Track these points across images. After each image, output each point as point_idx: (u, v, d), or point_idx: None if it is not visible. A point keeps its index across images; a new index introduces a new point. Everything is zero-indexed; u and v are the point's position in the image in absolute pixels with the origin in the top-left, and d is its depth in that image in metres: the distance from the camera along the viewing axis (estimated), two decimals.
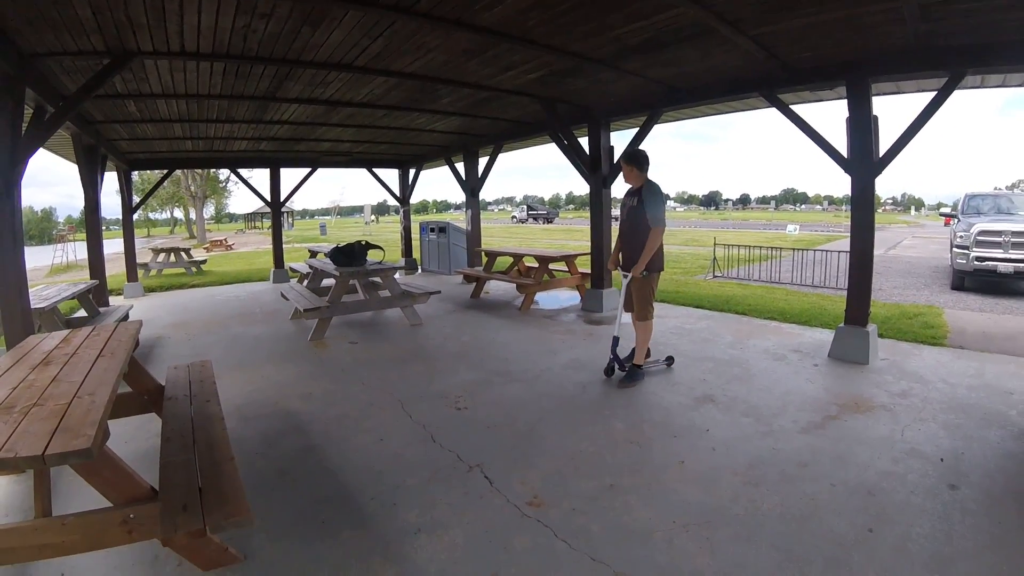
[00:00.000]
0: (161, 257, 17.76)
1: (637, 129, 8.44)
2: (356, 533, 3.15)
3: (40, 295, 7.02)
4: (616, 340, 5.76)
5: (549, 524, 3.18)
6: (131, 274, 13.18)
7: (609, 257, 6.24)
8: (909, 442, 4.11)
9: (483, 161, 13.37)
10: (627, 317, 5.88)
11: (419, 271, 16.41)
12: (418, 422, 4.79)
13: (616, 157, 8.83)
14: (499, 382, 5.83)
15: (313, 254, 14.56)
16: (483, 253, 12.10)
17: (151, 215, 65.84)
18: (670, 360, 6.19)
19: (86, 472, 2.46)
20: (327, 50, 5.90)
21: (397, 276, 8.98)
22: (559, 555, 2.91)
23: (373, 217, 64.50)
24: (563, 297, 10.85)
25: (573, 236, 33.82)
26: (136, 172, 14.26)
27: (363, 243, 8.85)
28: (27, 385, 2.80)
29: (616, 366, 5.77)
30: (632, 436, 4.38)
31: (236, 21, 4.99)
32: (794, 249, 15.24)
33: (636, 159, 5.71)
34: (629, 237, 5.73)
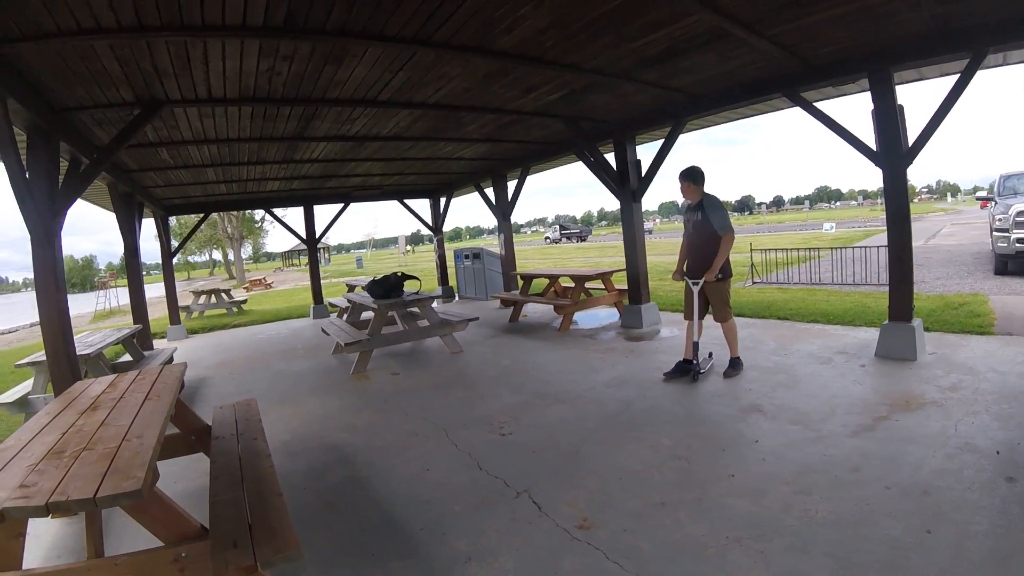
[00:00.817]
0: (202, 299, 18.11)
1: (663, 140, 8.42)
2: (405, 563, 3.14)
3: (85, 341, 7.21)
4: (697, 346, 6.09)
5: (599, 546, 3.14)
6: (173, 317, 13.46)
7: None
8: (963, 436, 4.00)
9: (512, 184, 13.47)
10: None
11: (456, 298, 16.46)
12: (463, 449, 4.78)
13: (644, 170, 8.83)
14: (541, 404, 5.80)
15: (351, 288, 14.70)
16: (518, 276, 12.15)
17: (190, 258, 67.10)
18: (710, 354, 6.47)
19: (137, 512, 2.48)
20: (351, 87, 6.02)
21: (434, 305, 9.03)
22: None
23: (408, 247, 65.21)
24: (602, 315, 10.80)
25: (607, 253, 33.64)
26: (173, 217, 14.60)
27: (399, 274, 8.90)
28: (76, 430, 2.86)
29: (698, 371, 6.04)
30: (679, 452, 4.32)
31: (260, 64, 5.13)
32: (832, 248, 15.04)
33: (692, 175, 6.04)
34: (698, 247, 6.09)
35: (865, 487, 3.48)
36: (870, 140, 6.03)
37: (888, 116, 5.87)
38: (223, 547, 2.50)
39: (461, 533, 3.43)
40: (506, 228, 13.92)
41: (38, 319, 5.23)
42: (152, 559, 2.50)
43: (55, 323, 5.12)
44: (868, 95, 6.05)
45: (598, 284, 10.73)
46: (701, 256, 6.02)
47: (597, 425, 5.08)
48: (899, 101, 5.91)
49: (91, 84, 5.11)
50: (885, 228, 6.25)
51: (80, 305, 24.88)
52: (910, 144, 5.84)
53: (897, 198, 6.10)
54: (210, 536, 2.59)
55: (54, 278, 5.07)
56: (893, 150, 5.89)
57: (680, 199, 6.40)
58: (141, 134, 6.54)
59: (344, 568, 3.12)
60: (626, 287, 9.66)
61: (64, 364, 5.13)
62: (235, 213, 43.78)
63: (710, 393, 5.58)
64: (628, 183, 8.96)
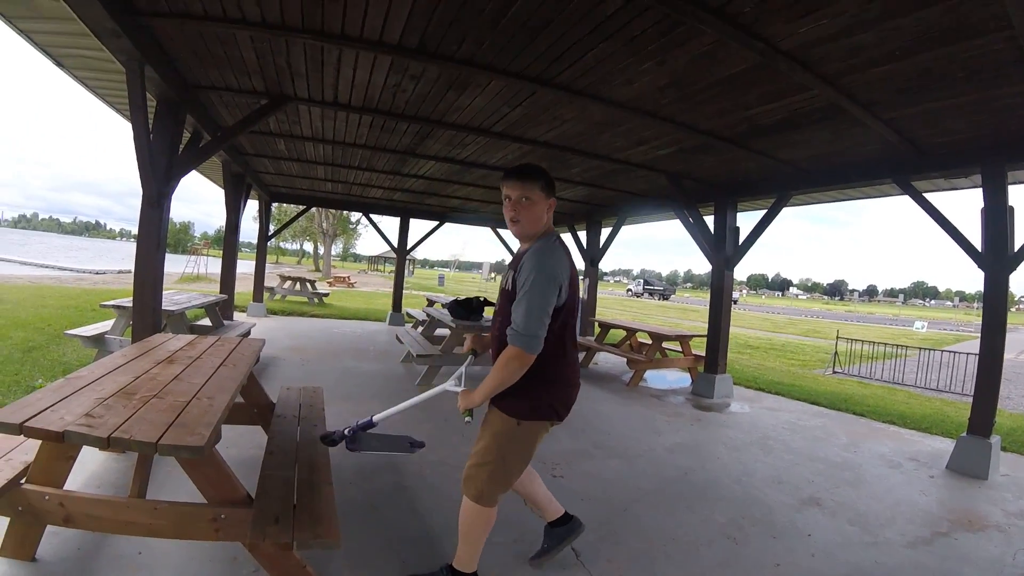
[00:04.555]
0: (287, 284, 18.73)
1: (765, 211, 8.31)
2: None
3: (172, 299, 7.57)
4: (370, 424, 3.45)
5: None
6: (257, 295, 13.97)
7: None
8: (1020, 567, 3.77)
9: (605, 231, 13.49)
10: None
11: None
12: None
13: (741, 238, 8.69)
14: (598, 455, 5.71)
15: (431, 303, 14.97)
16: (596, 323, 12.09)
17: (282, 244, 69.35)
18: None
19: (190, 466, 2.58)
20: (469, 114, 6.22)
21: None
22: None
23: (492, 274, 65.68)
24: (672, 378, 10.59)
25: (688, 315, 33.12)
26: (275, 203, 15.24)
27: (482, 300, 8.98)
28: (150, 377, 3.00)
29: (338, 439, 3.26)
30: (729, 531, 4.17)
31: (388, 79, 5.38)
32: (920, 348, 14.41)
33: (544, 178, 2.85)
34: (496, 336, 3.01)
35: None
36: (976, 239, 5.78)
37: (997, 215, 5.62)
38: (265, 519, 2.57)
39: (494, 564, 3.40)
40: (592, 274, 13.89)
41: (128, 268, 5.54)
42: (193, 513, 2.60)
43: (148, 276, 5.37)
44: (979, 192, 5.81)
45: (675, 345, 10.57)
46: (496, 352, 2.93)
47: (652, 487, 4.96)
48: (1011, 202, 5.65)
49: (226, 68, 5.42)
50: (977, 334, 5.94)
51: (170, 265, 26.00)
52: (1016, 248, 5.58)
53: (996, 304, 5.78)
54: (254, 506, 2.67)
55: (157, 237, 5.36)
56: (998, 253, 5.62)
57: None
58: (263, 123, 6.91)
59: (372, 570, 3.15)
60: (703, 353, 9.46)
61: (148, 315, 5.35)
62: (334, 211, 45.15)
63: (771, 479, 5.37)
64: (724, 249, 8.83)
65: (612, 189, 10.06)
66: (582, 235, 14.00)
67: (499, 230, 16.56)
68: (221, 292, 10.62)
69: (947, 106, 4.83)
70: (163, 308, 5.95)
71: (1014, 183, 6.01)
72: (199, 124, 6.38)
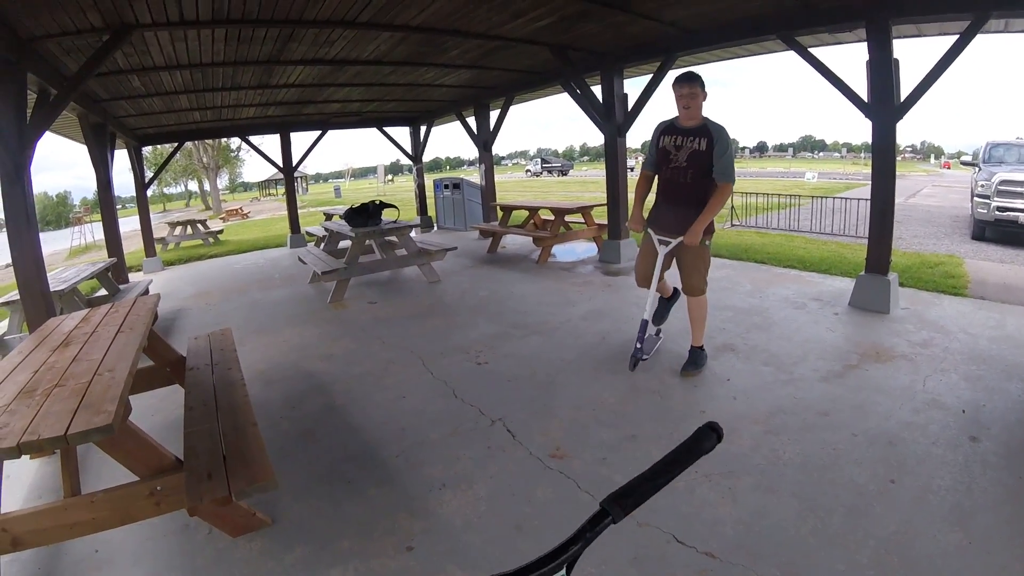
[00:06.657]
0: (178, 230, 17.76)
1: (651, 76, 8.26)
2: (381, 490, 3.20)
3: (59, 277, 7.08)
4: (646, 324, 4.65)
5: (571, 475, 3.21)
6: (149, 249, 13.19)
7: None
8: (930, 392, 4.04)
9: (495, 114, 13.19)
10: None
11: (435, 228, 16.33)
12: (439, 377, 4.84)
13: (630, 105, 8.67)
14: (518, 335, 5.84)
15: (328, 217, 14.52)
16: (498, 208, 12.12)
17: (165, 190, 65.58)
18: (658, 332, 5.35)
19: (111, 447, 2.50)
20: (329, 7, 5.77)
21: (413, 234, 8.95)
22: (582, 506, 2.92)
23: (389, 177, 64.08)
24: (580, 249, 10.78)
25: (588, 188, 33.45)
26: (147, 148, 14.20)
27: (377, 203, 8.82)
28: (48, 367, 2.83)
29: (642, 357, 4.70)
30: (652, 386, 4.38)
31: None
32: (812, 197, 15.09)
33: (701, 80, 4.33)
34: (682, 190, 4.42)
35: (833, 432, 3.55)
36: (862, 91, 5.90)
37: (883, 68, 5.72)
38: (198, 479, 2.52)
39: (436, 460, 3.50)
40: (487, 159, 13.71)
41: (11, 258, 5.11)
42: (128, 494, 2.53)
43: (28, 260, 5.03)
44: (864, 46, 5.87)
45: (578, 218, 10.70)
46: (685, 202, 4.39)
47: (574, 357, 5.13)
48: (895, 55, 5.75)
49: (58, 10, 4.85)
50: (865, 182, 6.20)
51: (56, 242, 24.77)
52: (902, 99, 5.72)
53: (885, 151, 6.01)
54: (184, 468, 2.61)
55: (25, 214, 4.95)
56: (885, 103, 5.76)
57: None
58: (111, 61, 6.25)
59: (321, 496, 3.17)
60: (606, 222, 9.62)
61: (38, 301, 5.07)
62: (210, 142, 42.78)
63: (684, 331, 5.53)
64: (614, 117, 8.82)
65: (496, 68, 9.75)
66: (471, 121, 13.70)
67: (386, 129, 15.98)
68: (109, 256, 9.96)
69: None
70: (52, 289, 5.56)
71: (898, 37, 6.10)
72: (43, 80, 5.73)
